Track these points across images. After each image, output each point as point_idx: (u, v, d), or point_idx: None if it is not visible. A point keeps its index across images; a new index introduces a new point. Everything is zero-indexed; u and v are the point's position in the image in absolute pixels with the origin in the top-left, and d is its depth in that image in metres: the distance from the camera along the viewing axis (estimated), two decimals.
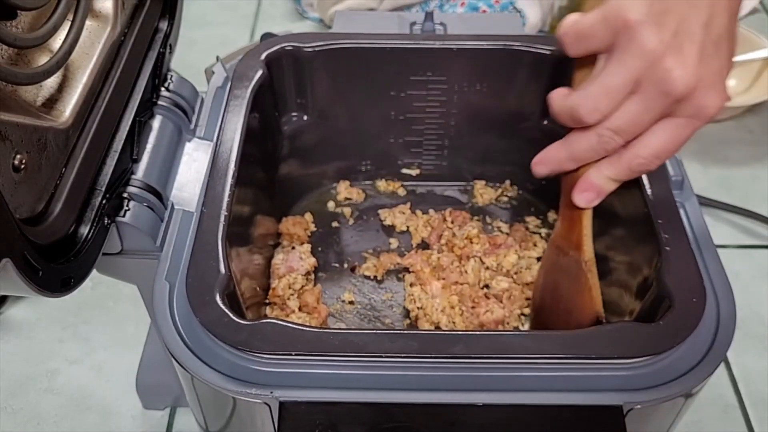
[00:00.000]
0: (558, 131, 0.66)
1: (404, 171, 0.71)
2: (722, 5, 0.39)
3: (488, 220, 0.69)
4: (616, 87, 0.40)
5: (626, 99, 0.41)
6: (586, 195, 0.46)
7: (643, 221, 0.49)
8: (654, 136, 0.42)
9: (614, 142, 0.42)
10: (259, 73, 0.58)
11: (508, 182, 0.71)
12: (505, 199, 0.71)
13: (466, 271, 0.62)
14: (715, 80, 0.40)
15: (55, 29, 0.44)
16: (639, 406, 0.42)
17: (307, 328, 0.42)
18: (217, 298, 0.43)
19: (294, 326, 0.42)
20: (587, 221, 0.49)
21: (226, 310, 0.43)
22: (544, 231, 0.68)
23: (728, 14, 0.40)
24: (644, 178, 0.50)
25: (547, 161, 0.47)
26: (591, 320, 0.49)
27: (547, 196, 0.70)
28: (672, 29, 0.39)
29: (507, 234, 0.66)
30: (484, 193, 0.71)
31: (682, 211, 0.51)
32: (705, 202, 0.81)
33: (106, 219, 0.48)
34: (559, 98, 0.44)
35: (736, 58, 1.01)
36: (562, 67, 0.62)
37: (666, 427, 0.47)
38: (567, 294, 0.52)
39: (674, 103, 0.40)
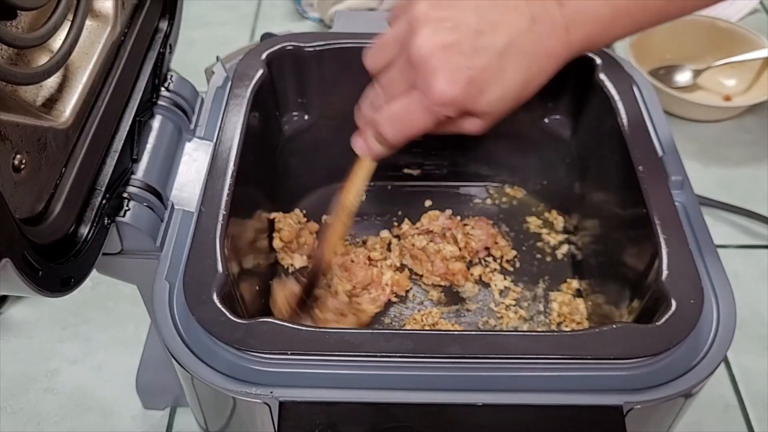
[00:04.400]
0: (559, 132, 0.66)
1: (405, 171, 0.71)
2: (507, 33, 0.41)
3: (489, 221, 0.69)
4: (385, 41, 0.45)
5: (393, 60, 0.44)
6: (357, 142, 0.49)
7: (643, 221, 0.49)
8: (396, 102, 0.44)
9: (378, 97, 0.46)
10: (260, 72, 0.58)
11: (508, 182, 0.71)
12: (506, 199, 0.71)
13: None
14: (453, 70, 0.41)
15: (55, 29, 0.44)
16: (639, 406, 0.42)
17: (303, 327, 0.43)
18: (214, 297, 0.43)
19: (290, 325, 0.42)
20: (359, 171, 0.51)
21: (223, 309, 0.43)
22: (544, 231, 0.68)
23: (508, 45, 0.41)
24: (644, 177, 0.50)
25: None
26: (316, 261, 0.55)
27: (547, 196, 0.70)
28: (444, 14, 0.41)
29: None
30: (485, 193, 0.71)
31: (681, 211, 0.51)
32: (705, 202, 0.81)
33: (106, 219, 0.48)
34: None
35: (736, 58, 1.00)
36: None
37: (666, 427, 0.47)
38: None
39: (414, 71, 0.42)
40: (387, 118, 0.45)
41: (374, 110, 0.47)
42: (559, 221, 0.69)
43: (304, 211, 0.70)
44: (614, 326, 0.42)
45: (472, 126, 0.45)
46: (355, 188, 0.52)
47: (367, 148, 0.49)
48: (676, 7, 0.42)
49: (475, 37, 0.41)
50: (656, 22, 0.43)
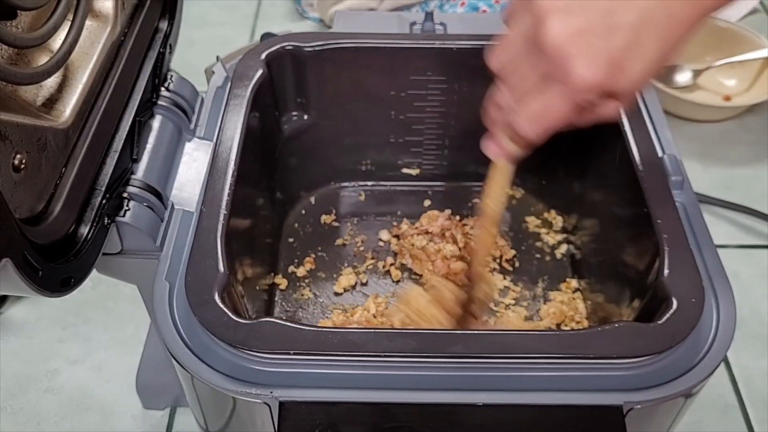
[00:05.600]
0: (558, 131, 0.66)
1: (404, 171, 0.71)
2: (638, 7, 0.40)
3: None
4: (509, 40, 0.44)
5: (520, 56, 0.43)
6: (490, 147, 0.49)
7: (643, 221, 0.49)
8: (532, 99, 0.43)
9: (507, 98, 0.45)
10: (260, 72, 0.58)
11: None
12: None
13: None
14: (591, 54, 0.40)
15: (55, 29, 0.44)
16: (639, 406, 0.42)
17: (306, 327, 0.42)
18: (216, 297, 0.43)
19: (292, 326, 0.42)
20: (497, 176, 0.51)
21: (225, 310, 0.43)
22: (543, 231, 0.68)
23: (642, 18, 0.40)
24: (644, 177, 0.50)
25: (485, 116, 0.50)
26: (473, 273, 0.54)
27: (547, 196, 0.70)
28: (569, 1, 0.40)
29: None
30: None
31: (682, 211, 0.51)
32: (705, 199, 0.81)
33: (106, 219, 0.48)
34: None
35: (736, 58, 1.00)
36: None
37: (666, 427, 0.47)
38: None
39: (548, 62, 0.41)
40: (526, 115, 0.44)
41: (504, 111, 0.45)
42: (558, 221, 0.69)
43: (303, 211, 0.70)
44: (615, 325, 0.42)
45: (611, 110, 0.43)
46: (494, 195, 0.51)
47: (502, 151, 0.48)
48: None
49: (607, 17, 0.40)
50: None
